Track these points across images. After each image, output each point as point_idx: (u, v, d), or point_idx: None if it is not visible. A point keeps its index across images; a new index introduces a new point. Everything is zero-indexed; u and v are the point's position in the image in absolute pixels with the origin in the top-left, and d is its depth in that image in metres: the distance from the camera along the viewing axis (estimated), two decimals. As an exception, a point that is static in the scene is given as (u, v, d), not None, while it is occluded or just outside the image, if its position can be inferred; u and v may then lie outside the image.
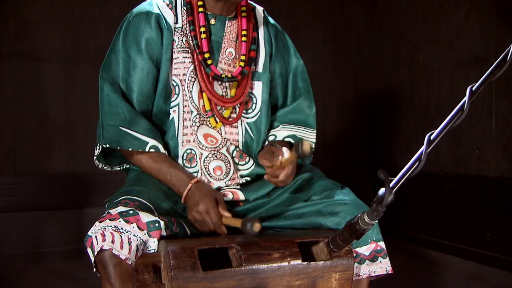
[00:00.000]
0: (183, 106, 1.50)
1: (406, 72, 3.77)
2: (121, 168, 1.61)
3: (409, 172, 1.05)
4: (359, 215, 1.09)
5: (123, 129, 1.43)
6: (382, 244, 1.42)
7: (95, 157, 1.52)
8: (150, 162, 1.46)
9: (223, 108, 1.53)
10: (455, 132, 3.29)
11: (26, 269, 2.92)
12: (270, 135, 1.64)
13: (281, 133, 1.63)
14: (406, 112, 3.78)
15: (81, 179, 3.20)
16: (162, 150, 1.46)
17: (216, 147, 1.52)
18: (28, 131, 3.11)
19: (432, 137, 1.05)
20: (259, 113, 1.60)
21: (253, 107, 1.60)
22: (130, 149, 1.43)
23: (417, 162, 1.05)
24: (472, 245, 3.14)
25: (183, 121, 1.51)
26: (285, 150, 1.41)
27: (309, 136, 1.66)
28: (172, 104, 1.51)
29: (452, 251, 3.26)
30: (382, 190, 1.04)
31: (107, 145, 1.43)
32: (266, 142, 1.64)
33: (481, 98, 3.11)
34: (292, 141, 1.61)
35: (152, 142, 1.44)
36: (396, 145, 3.89)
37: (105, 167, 1.57)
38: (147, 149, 1.44)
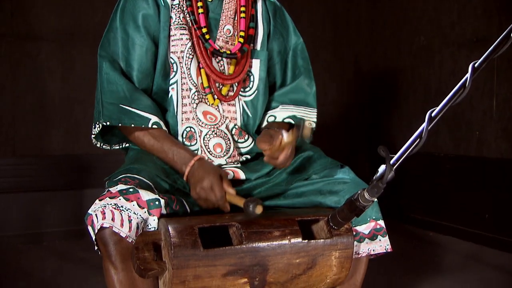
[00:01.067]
0: (182, 84, 1.49)
1: (407, 53, 3.74)
2: (120, 147, 1.59)
3: (410, 149, 1.04)
4: (359, 191, 1.08)
5: (124, 107, 1.41)
6: (381, 222, 1.42)
7: (93, 136, 1.50)
8: (152, 140, 1.44)
9: (221, 85, 1.52)
10: (456, 113, 3.28)
11: (26, 250, 2.93)
12: (270, 115, 1.62)
13: (281, 114, 1.61)
14: (407, 92, 3.76)
15: (81, 160, 3.19)
16: (163, 127, 1.45)
17: (215, 124, 1.51)
18: (27, 112, 3.09)
19: (433, 114, 1.04)
20: (256, 91, 1.59)
21: (251, 85, 1.58)
22: (132, 125, 1.42)
23: (418, 139, 1.04)
24: (471, 226, 3.15)
25: (182, 98, 1.49)
26: (284, 132, 1.38)
27: (310, 116, 1.65)
28: (170, 82, 1.50)
29: (451, 232, 3.28)
30: (382, 167, 1.04)
31: (108, 123, 1.41)
32: (265, 123, 1.63)
33: (483, 79, 3.10)
34: (292, 121, 1.60)
35: (154, 118, 1.43)
36: (396, 126, 3.88)
37: (103, 146, 1.56)
38: (149, 125, 1.42)
